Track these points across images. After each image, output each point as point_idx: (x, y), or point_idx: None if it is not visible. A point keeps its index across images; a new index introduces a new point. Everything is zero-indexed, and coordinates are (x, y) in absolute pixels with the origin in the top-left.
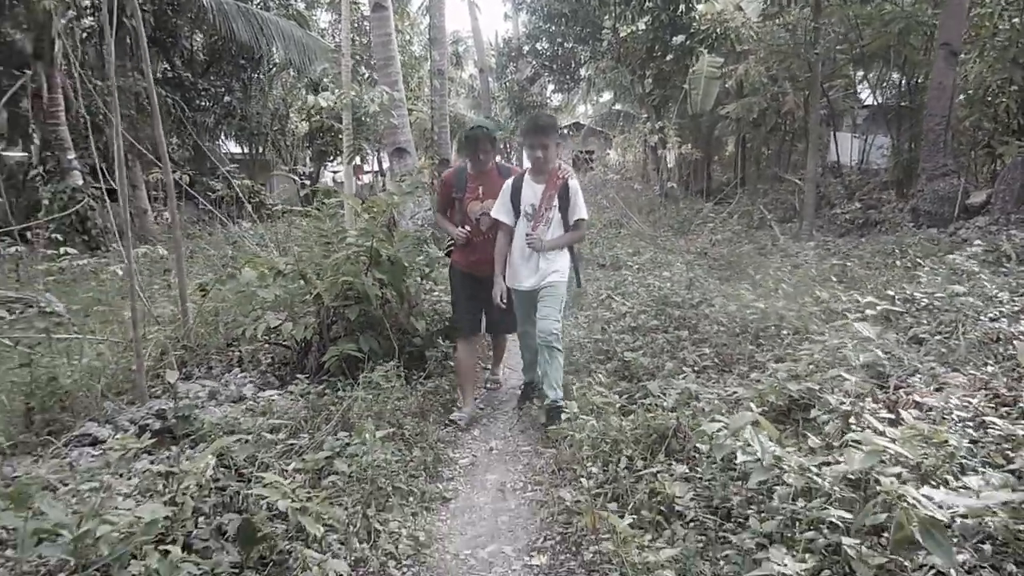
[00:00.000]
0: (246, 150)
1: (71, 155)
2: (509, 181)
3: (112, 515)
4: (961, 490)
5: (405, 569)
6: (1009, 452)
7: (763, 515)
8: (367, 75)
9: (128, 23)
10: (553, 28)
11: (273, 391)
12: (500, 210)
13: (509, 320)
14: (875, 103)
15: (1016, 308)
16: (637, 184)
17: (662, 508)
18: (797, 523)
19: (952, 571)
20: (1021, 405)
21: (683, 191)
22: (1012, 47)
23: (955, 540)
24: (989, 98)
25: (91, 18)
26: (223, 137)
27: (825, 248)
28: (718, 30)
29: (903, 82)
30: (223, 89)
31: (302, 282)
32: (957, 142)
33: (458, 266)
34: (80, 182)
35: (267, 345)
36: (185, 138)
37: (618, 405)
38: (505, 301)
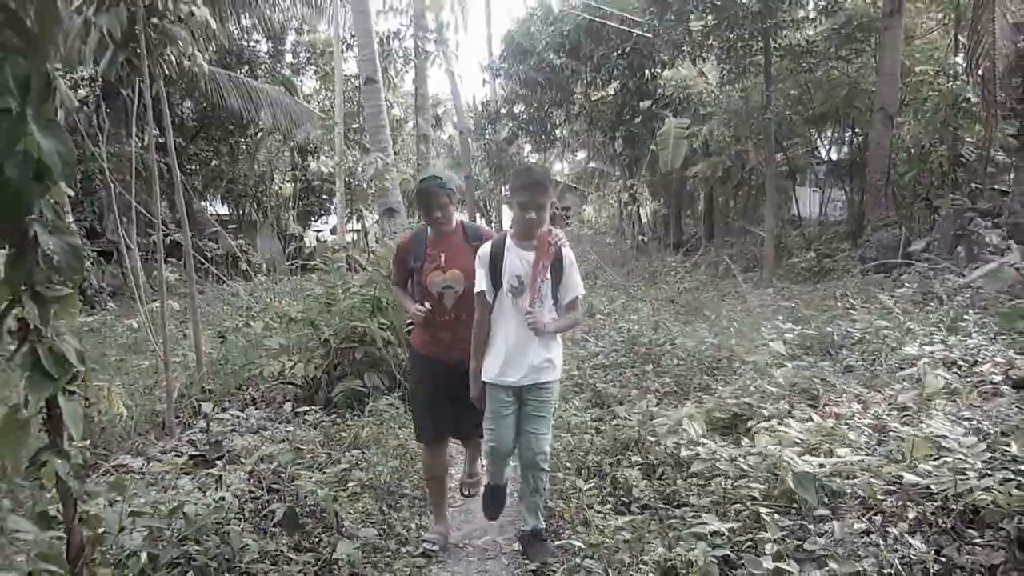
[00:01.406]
0: (232, 211)
1: (69, 217)
2: (486, 247)
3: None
4: (835, 459)
5: (414, 549)
6: (883, 439)
7: (701, 495)
8: (355, 139)
9: (124, 94)
10: (528, 93)
11: (287, 425)
12: (480, 282)
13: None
14: (830, 160)
15: (927, 340)
16: (610, 238)
17: (624, 498)
18: (728, 499)
19: (817, 506)
20: (915, 413)
21: (656, 244)
22: (941, 111)
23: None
24: (925, 156)
25: (86, 89)
26: (210, 199)
27: (780, 294)
28: (681, 95)
29: (853, 140)
30: (211, 153)
31: (310, 327)
32: (901, 195)
33: (419, 351)
34: (78, 243)
35: (278, 385)
36: (176, 201)
37: (591, 425)
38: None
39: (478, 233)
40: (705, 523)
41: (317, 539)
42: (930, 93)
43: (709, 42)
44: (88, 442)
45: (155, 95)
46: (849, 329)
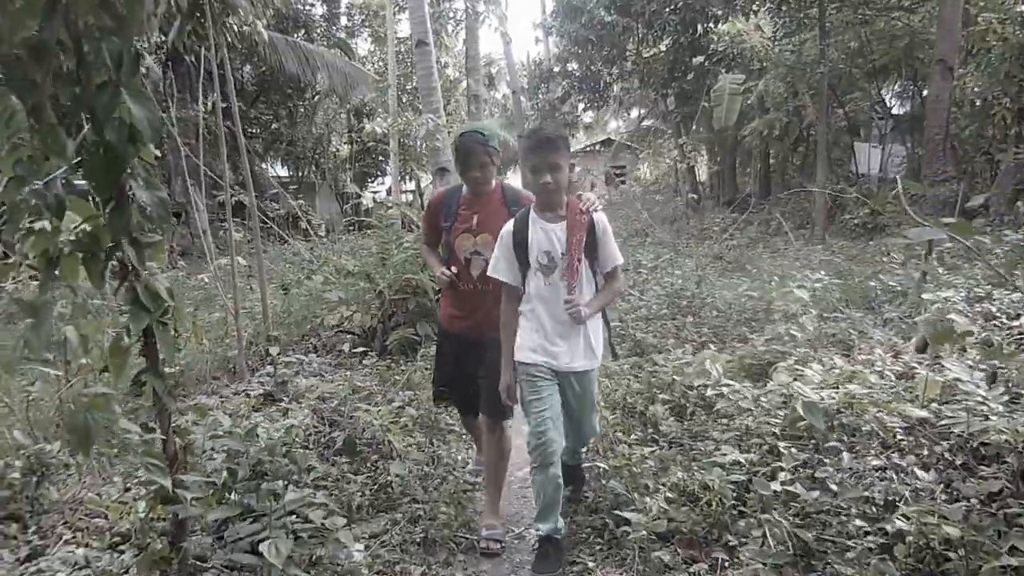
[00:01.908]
0: (291, 173)
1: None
2: (508, 225)
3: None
4: (843, 391)
5: (459, 479)
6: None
7: (724, 431)
8: (408, 101)
9: (189, 60)
10: (580, 51)
11: (347, 370)
12: (499, 265)
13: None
14: (891, 115)
15: (966, 294)
16: (661, 196)
17: (653, 434)
18: (749, 434)
19: (826, 433)
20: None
21: (711, 202)
22: (1004, 63)
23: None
24: (988, 109)
25: (153, 56)
26: (270, 161)
27: (830, 250)
28: (735, 51)
29: (915, 94)
30: (271, 116)
31: (366, 281)
32: (963, 149)
33: (446, 327)
34: (166, 197)
35: (338, 334)
36: (239, 164)
37: (629, 372)
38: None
39: (518, 198)
40: (725, 454)
41: (373, 466)
42: (994, 43)
43: None
44: (177, 368)
45: (219, 62)
46: (891, 283)
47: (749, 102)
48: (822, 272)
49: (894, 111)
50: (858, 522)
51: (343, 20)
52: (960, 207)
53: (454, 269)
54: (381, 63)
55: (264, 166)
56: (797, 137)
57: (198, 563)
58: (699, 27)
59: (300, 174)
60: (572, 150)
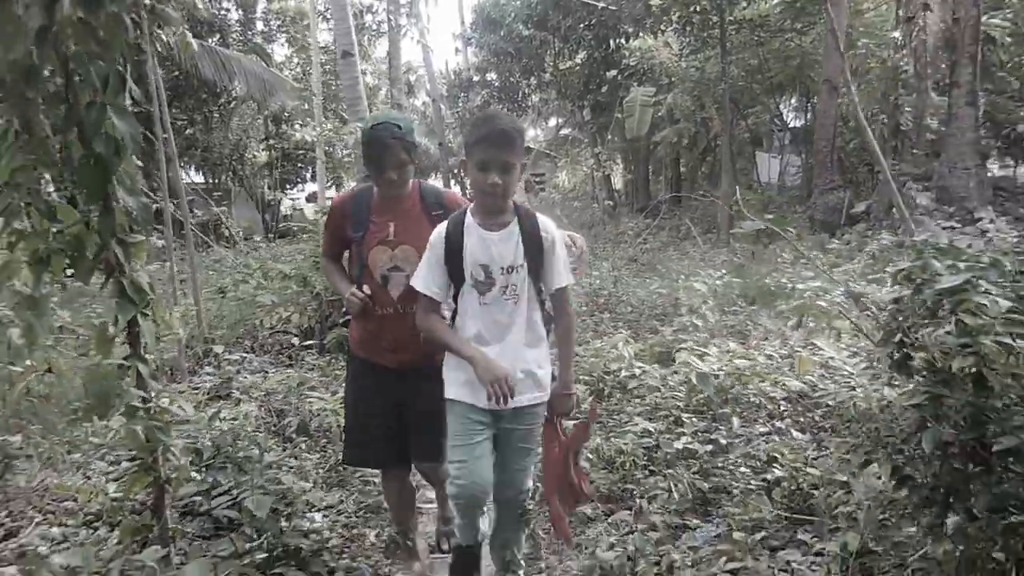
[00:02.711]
0: (207, 179)
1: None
2: (440, 231)
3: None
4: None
5: None
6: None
7: (637, 407)
8: (332, 108)
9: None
10: (500, 63)
11: (287, 369)
12: (426, 277)
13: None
14: (788, 128)
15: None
16: (578, 203)
17: (577, 414)
18: (658, 408)
19: (718, 403)
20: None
21: (626, 209)
22: (881, 83)
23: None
24: (869, 124)
25: None
26: (185, 168)
27: (733, 252)
28: (646, 65)
29: (808, 108)
30: (185, 121)
31: (302, 284)
32: (849, 161)
33: (356, 351)
34: (148, 202)
35: (274, 335)
36: (152, 169)
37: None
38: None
39: (440, 199)
40: (636, 424)
41: (322, 448)
42: (872, 66)
43: (669, 16)
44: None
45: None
46: (782, 280)
47: (659, 114)
48: (723, 271)
49: (791, 124)
50: (744, 469)
51: (259, 25)
52: (846, 212)
53: (367, 289)
54: (299, 69)
55: (179, 172)
56: (705, 147)
57: (178, 527)
58: (612, 43)
59: (216, 180)
60: None
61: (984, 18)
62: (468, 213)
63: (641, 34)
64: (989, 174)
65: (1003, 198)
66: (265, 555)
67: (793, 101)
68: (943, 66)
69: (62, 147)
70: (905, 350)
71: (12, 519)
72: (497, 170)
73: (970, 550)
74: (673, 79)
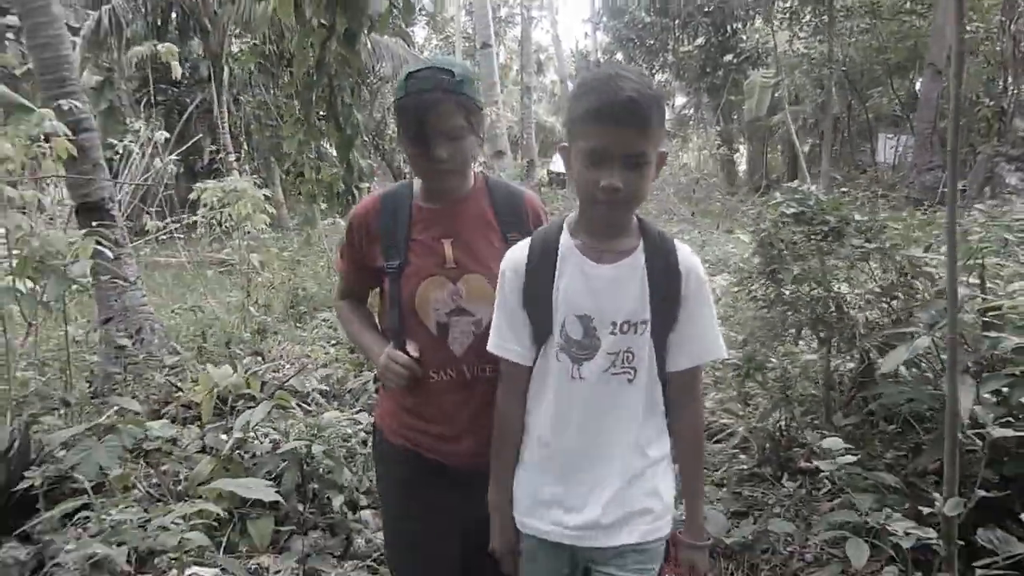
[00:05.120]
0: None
1: (232, 156)
2: (517, 252)
3: None
4: None
5: None
6: None
7: None
8: None
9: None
10: (624, 47)
11: None
12: (505, 330)
13: None
14: (905, 109)
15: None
16: (683, 178)
17: None
18: None
19: None
20: None
21: (746, 188)
22: (983, 70)
23: None
24: (973, 108)
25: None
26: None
27: None
28: (761, 49)
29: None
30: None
31: None
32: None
33: (391, 439)
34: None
35: None
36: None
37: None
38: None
39: (514, 203)
40: None
41: None
42: (982, 49)
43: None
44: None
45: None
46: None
47: (778, 94)
48: None
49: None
50: None
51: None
52: (941, 192)
53: (413, 349)
54: (438, 51)
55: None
56: (824, 127)
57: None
58: (728, 27)
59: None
60: None
61: None
62: (565, 229)
63: (757, 20)
64: None
65: None
66: None
67: (917, 83)
68: None
69: (325, 129)
70: None
71: (274, 369)
72: (620, 164)
73: None
74: (792, 61)
